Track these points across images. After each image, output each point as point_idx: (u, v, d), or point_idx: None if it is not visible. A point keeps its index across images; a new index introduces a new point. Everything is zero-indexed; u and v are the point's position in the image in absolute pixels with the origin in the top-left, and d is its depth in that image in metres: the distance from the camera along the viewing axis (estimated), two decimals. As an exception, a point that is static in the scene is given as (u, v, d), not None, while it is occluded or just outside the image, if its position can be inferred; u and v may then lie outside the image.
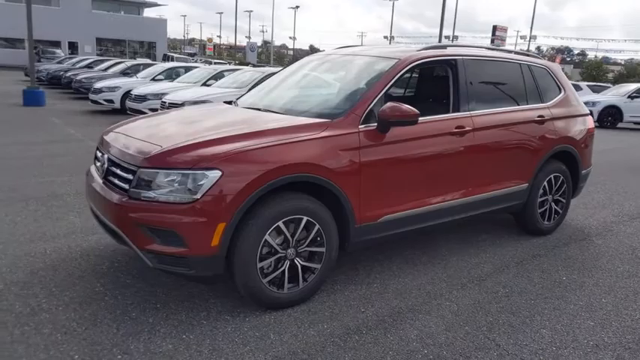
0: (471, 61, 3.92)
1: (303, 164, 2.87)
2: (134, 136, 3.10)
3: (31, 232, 3.99)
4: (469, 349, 2.66)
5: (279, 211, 2.79)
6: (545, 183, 4.42)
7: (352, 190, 3.05)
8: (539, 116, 4.27)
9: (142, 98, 11.37)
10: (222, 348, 2.54)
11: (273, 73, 5.08)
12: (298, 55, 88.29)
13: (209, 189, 2.58)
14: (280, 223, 2.80)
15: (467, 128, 3.66)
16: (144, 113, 9.22)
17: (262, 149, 2.77)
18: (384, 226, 3.32)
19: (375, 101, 3.25)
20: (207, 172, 2.59)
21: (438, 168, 3.58)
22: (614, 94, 17.76)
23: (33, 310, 2.79)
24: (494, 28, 48.60)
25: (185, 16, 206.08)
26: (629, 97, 16.91)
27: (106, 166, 3.01)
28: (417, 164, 3.43)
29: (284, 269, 2.89)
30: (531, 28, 54.75)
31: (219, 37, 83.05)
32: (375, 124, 3.19)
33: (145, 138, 3.01)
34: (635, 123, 17.15)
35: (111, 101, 12.83)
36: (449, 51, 3.91)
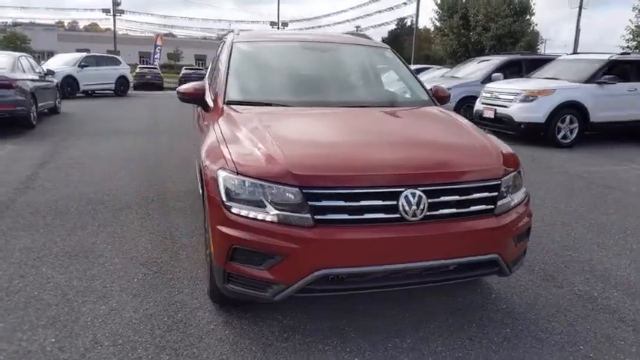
0: None
1: None
2: (441, 154, 2.71)
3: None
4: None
5: None
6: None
7: None
8: None
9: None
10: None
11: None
12: None
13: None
14: None
15: None
16: None
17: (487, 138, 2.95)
18: None
19: None
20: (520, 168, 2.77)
21: None
22: (66, 63, 17.67)
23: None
24: None
25: None
26: (79, 65, 17.59)
27: (425, 198, 2.36)
28: None
29: None
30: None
31: None
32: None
33: (449, 151, 2.77)
34: (90, 91, 18.42)
35: None
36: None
